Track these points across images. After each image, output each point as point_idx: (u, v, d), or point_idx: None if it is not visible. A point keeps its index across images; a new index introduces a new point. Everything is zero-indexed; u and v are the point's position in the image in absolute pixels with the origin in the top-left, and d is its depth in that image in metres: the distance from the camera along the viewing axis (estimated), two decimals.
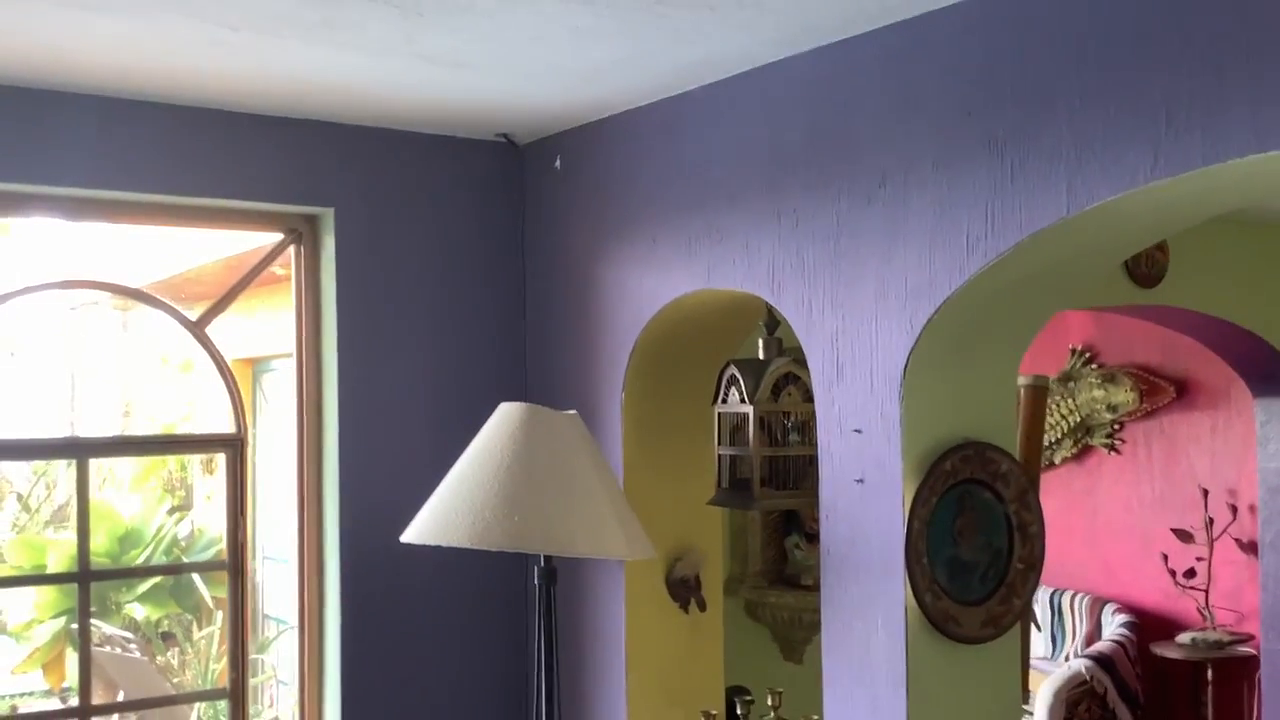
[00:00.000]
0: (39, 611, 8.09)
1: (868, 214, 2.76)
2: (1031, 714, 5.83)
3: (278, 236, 3.71)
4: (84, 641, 3.53)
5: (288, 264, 3.77)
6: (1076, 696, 5.96)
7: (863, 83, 2.78)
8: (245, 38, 2.77)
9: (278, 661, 7.48)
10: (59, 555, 8.02)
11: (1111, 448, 6.95)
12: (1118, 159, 2.25)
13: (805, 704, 3.02)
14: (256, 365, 8.06)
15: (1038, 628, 6.80)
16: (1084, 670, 5.99)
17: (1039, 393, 3.45)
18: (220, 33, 2.73)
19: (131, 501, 8.85)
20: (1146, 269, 5.09)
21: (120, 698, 6.41)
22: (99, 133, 3.26)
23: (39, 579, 8.09)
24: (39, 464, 10.08)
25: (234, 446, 3.61)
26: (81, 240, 6.71)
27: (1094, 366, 6.99)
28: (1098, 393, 6.85)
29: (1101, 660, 6.06)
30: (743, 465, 3.23)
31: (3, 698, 8.24)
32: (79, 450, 3.57)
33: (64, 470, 9.93)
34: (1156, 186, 2.21)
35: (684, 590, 3.59)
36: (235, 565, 3.60)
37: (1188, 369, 6.57)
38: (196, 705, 6.32)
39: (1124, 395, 6.73)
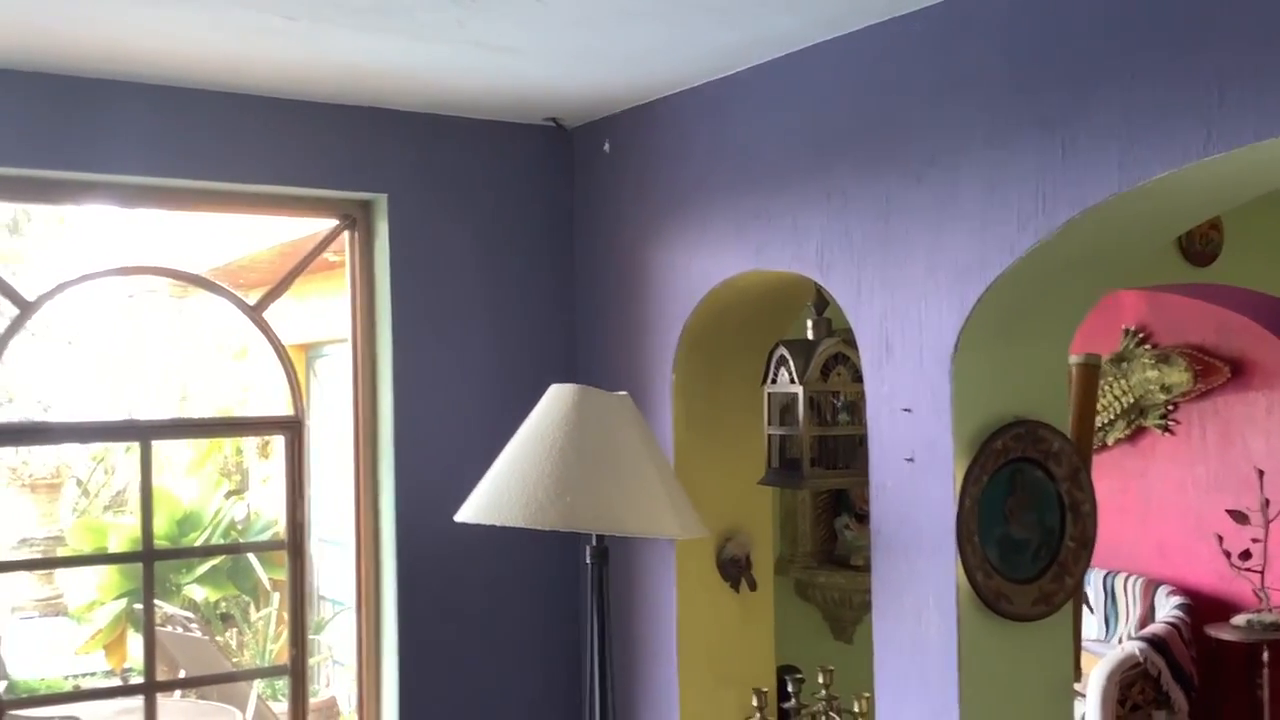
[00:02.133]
0: (100, 593, 8.26)
1: (917, 193, 2.75)
2: (1084, 695, 5.80)
3: (332, 222, 3.76)
4: (148, 618, 3.62)
5: (341, 250, 3.82)
6: (1130, 678, 5.92)
7: (911, 62, 2.78)
8: (301, 26, 2.81)
9: (333, 642, 7.59)
10: (119, 538, 8.18)
11: (1165, 428, 6.88)
12: (1170, 135, 2.23)
13: (856, 683, 3.03)
14: (310, 351, 8.16)
15: (1090, 610, 6.75)
16: (1137, 652, 5.95)
17: (1090, 371, 3.43)
18: (276, 21, 2.78)
19: (189, 486, 9.00)
20: (1200, 247, 5.03)
21: (182, 675, 6.54)
22: (156, 121, 3.32)
23: (104, 558, 8.28)
24: (97, 450, 10.29)
25: (292, 429, 3.68)
26: (135, 228, 6.78)
27: (1147, 347, 6.91)
28: (1151, 373, 6.78)
29: (1155, 642, 6.01)
30: (792, 445, 3.24)
31: (65, 678, 8.43)
32: (142, 432, 3.65)
33: (122, 456, 10.13)
34: (1208, 162, 2.19)
35: (735, 570, 3.61)
36: (294, 544, 3.67)
37: (1243, 349, 6.48)
38: (256, 683, 6.42)
39: (1178, 376, 6.65)
